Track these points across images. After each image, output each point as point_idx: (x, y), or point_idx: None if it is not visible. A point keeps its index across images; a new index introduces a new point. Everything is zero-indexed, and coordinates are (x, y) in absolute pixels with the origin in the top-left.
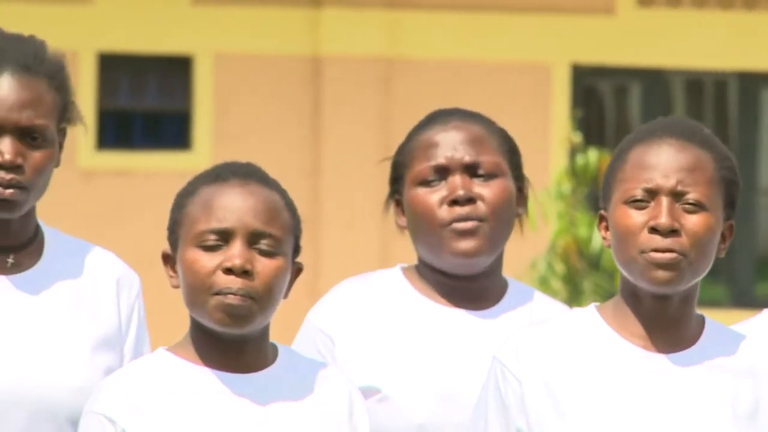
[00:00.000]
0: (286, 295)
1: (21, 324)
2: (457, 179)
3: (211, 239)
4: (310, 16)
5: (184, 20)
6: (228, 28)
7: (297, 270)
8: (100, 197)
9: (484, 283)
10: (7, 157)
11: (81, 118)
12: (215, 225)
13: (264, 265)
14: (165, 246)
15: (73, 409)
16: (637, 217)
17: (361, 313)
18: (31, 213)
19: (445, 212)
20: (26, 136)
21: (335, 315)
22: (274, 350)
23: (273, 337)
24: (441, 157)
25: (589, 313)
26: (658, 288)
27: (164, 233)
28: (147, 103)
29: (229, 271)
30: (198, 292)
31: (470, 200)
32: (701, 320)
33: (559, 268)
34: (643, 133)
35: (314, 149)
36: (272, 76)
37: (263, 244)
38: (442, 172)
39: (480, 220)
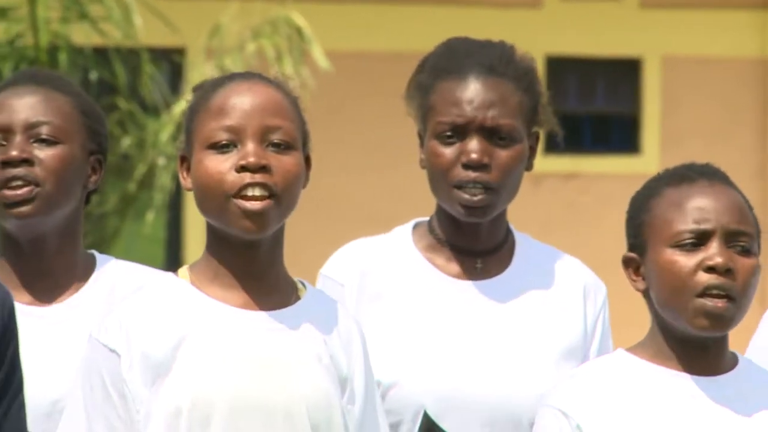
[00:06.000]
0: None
1: (485, 330)
2: None
3: (688, 239)
4: (760, 18)
5: (633, 23)
6: (676, 31)
7: None
8: (549, 201)
9: None
10: (474, 156)
11: (555, 122)
12: (693, 226)
13: (742, 264)
14: (620, 250)
15: (534, 414)
16: None
17: None
18: (501, 217)
19: None
20: (493, 135)
21: None
22: (734, 356)
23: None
24: None
25: None
26: None
27: (611, 237)
28: (595, 106)
29: (711, 270)
30: (678, 293)
31: None
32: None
33: None
34: None
35: (763, 152)
36: (721, 78)
37: (742, 241)
38: None
39: None
